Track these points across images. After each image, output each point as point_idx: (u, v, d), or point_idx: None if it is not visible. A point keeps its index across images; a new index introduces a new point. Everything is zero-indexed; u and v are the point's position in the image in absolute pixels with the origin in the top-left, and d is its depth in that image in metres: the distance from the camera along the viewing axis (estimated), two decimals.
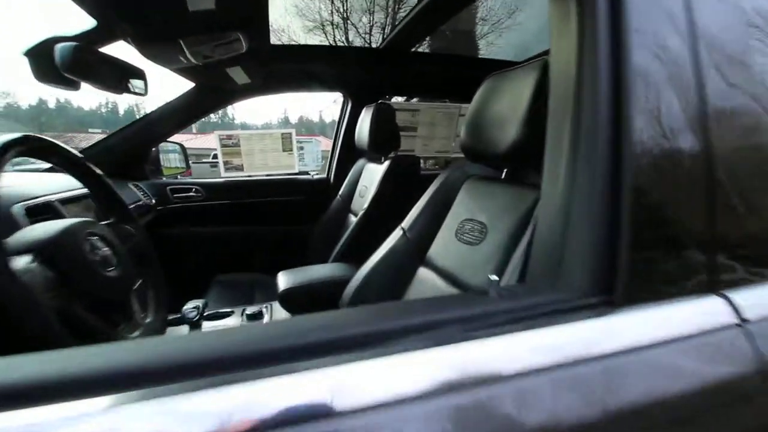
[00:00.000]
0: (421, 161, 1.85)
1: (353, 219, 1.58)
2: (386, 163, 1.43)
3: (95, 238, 0.65)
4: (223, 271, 1.68)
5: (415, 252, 0.95)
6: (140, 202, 1.52)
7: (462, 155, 0.87)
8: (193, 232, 1.77)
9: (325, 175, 2.04)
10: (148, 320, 0.73)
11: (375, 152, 1.51)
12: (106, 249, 0.66)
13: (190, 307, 0.95)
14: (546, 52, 0.54)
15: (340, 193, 1.76)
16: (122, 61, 1.11)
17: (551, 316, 0.39)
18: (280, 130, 1.90)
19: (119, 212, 0.79)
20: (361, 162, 1.75)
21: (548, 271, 0.46)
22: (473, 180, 0.92)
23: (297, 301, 1.09)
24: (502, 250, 0.70)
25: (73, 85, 0.98)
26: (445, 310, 0.39)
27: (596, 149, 0.41)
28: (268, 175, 1.99)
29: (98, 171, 0.77)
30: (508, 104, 0.71)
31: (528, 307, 0.40)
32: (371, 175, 1.56)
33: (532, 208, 0.69)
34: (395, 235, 0.99)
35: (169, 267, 1.81)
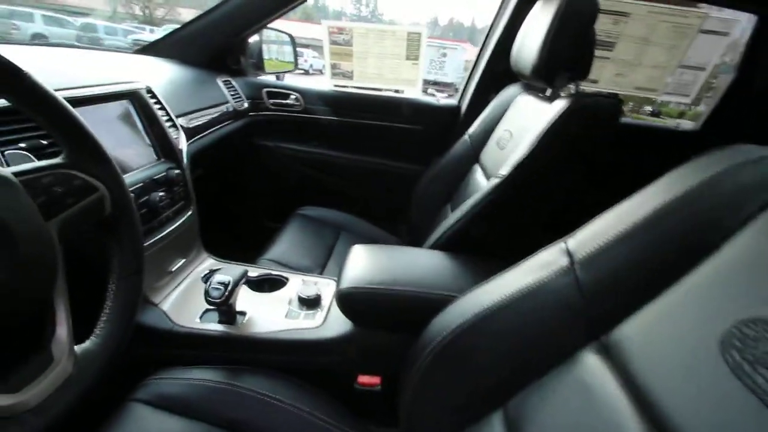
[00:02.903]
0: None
1: (479, 177, 1.07)
2: (560, 103, 0.79)
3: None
4: (309, 202, 1.40)
5: (585, 313, 0.44)
6: (227, 105, 1.26)
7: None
8: (283, 150, 1.49)
9: (456, 102, 1.49)
10: (85, 345, 0.44)
11: (541, 78, 0.88)
12: None
13: (217, 282, 0.66)
14: None
15: (470, 132, 1.22)
16: None
17: None
18: (407, 28, 1.36)
19: (80, 145, 0.46)
20: (511, 90, 1.14)
21: None
22: None
23: (360, 309, 0.72)
24: None
25: None
26: None
27: None
28: (381, 91, 1.54)
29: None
30: None
31: None
32: (525, 116, 0.98)
33: None
34: (552, 258, 0.48)
35: (249, 187, 1.56)
